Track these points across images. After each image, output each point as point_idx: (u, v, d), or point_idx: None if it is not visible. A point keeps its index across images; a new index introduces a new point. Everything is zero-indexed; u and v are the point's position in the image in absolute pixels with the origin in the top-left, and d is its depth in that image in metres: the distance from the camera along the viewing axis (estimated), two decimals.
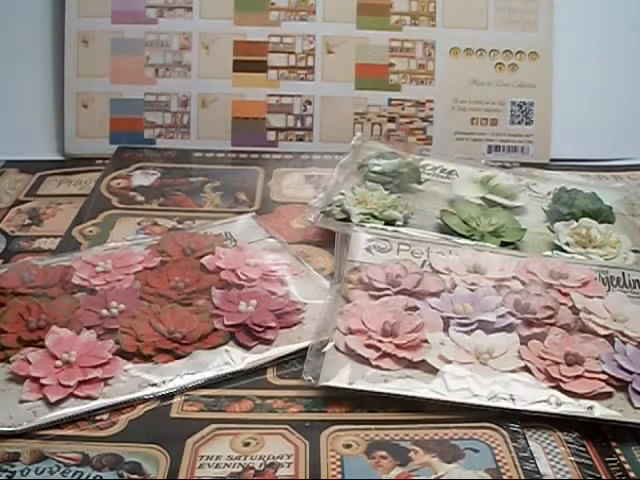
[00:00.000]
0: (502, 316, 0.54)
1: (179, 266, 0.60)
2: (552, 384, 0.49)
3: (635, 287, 0.59)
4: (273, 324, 0.55)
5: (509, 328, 0.53)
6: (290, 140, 0.87)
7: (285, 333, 0.55)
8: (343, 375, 0.50)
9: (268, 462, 0.45)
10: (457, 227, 0.65)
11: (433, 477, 0.44)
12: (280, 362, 0.53)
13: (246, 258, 0.61)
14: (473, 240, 0.64)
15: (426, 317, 0.54)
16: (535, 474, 0.44)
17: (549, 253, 0.64)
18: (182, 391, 0.50)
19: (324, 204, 0.68)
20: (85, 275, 0.60)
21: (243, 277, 0.59)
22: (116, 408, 0.49)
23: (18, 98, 0.86)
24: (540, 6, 0.86)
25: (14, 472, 0.44)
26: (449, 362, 0.50)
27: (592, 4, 0.88)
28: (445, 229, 0.65)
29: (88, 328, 0.53)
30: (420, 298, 0.56)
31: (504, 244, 0.64)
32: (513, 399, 0.48)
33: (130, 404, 0.49)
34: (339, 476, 0.44)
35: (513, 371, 0.50)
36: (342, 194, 0.68)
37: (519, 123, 0.86)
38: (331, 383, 0.49)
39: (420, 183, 0.73)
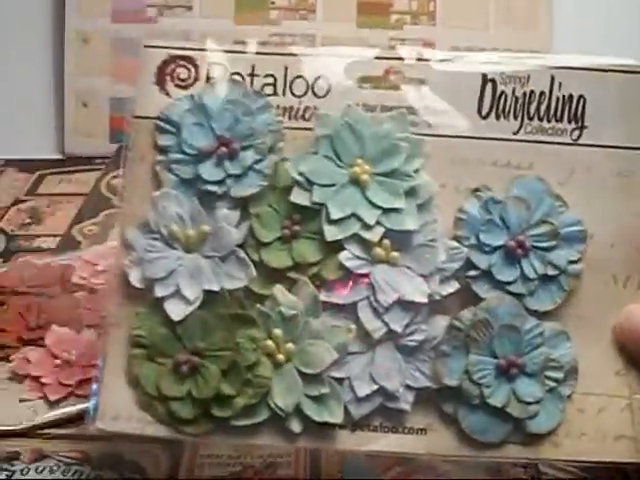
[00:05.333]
0: None
1: None
2: None
3: None
4: None
5: None
6: None
7: None
8: None
9: (268, 461, 0.45)
10: None
11: (433, 477, 0.44)
12: None
13: None
14: None
15: None
16: (535, 474, 0.44)
17: None
18: None
19: None
20: (85, 274, 0.60)
21: None
22: None
23: (18, 97, 0.86)
24: (540, 5, 0.86)
25: (14, 471, 0.44)
26: None
27: (593, 3, 0.88)
28: None
29: (88, 327, 0.53)
30: None
31: None
32: None
33: None
34: (339, 475, 0.44)
35: None
36: None
37: None
38: None
39: None
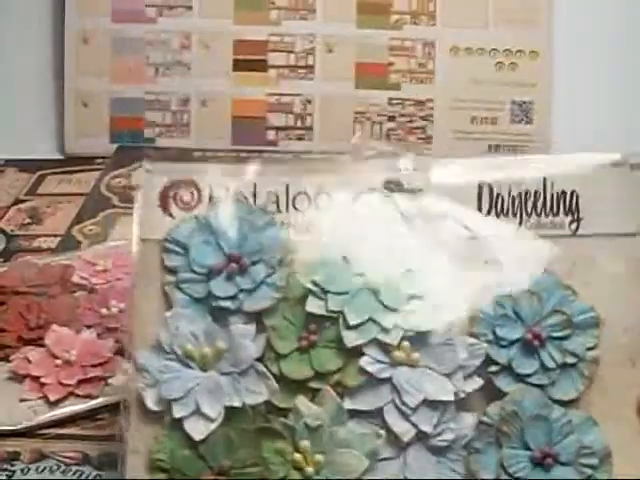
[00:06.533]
0: None
1: None
2: None
3: None
4: None
5: None
6: (290, 139, 0.87)
7: None
8: None
9: None
10: None
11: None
12: None
13: None
14: None
15: None
16: None
17: None
18: None
19: None
20: (85, 274, 0.60)
21: None
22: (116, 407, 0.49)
23: (18, 97, 0.86)
24: (540, 4, 0.86)
25: (14, 471, 0.44)
26: None
27: (592, 2, 0.88)
28: None
29: (88, 327, 0.54)
30: None
31: None
32: None
33: None
34: None
35: None
36: None
37: (519, 122, 0.86)
38: None
39: None
